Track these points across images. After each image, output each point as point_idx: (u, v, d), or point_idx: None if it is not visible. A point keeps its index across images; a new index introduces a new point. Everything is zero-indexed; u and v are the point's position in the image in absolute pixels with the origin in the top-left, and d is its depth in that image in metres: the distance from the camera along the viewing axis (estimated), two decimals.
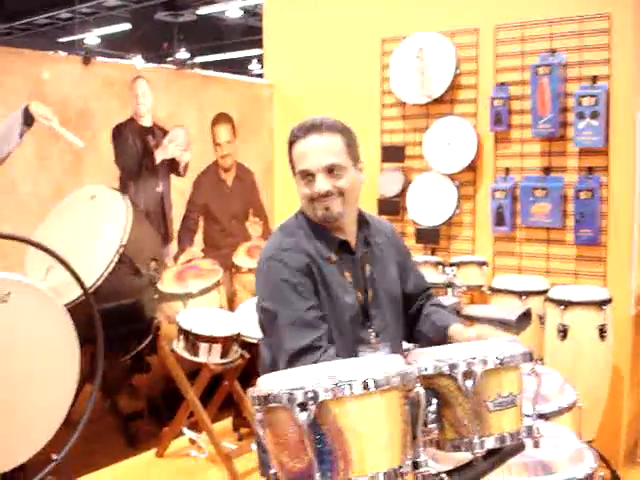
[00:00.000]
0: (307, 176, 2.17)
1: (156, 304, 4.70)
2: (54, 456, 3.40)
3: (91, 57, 4.25)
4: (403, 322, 2.40)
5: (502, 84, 4.55)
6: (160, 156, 4.69)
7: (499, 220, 4.56)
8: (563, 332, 3.98)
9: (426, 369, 1.65)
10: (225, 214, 5.21)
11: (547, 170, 4.43)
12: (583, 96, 4.14)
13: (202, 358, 4.30)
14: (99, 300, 3.97)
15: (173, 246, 4.83)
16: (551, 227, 4.42)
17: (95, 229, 4.31)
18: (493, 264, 4.67)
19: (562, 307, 3.98)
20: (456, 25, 4.72)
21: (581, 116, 4.15)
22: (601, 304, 3.96)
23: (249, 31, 15.76)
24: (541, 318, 4.10)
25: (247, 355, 4.47)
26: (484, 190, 4.70)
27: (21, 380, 3.22)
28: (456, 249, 4.85)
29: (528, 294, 4.20)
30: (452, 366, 1.63)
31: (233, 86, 5.44)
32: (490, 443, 1.64)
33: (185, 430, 4.62)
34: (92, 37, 16.65)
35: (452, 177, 4.77)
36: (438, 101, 4.80)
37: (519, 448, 1.74)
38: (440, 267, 4.65)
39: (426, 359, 1.67)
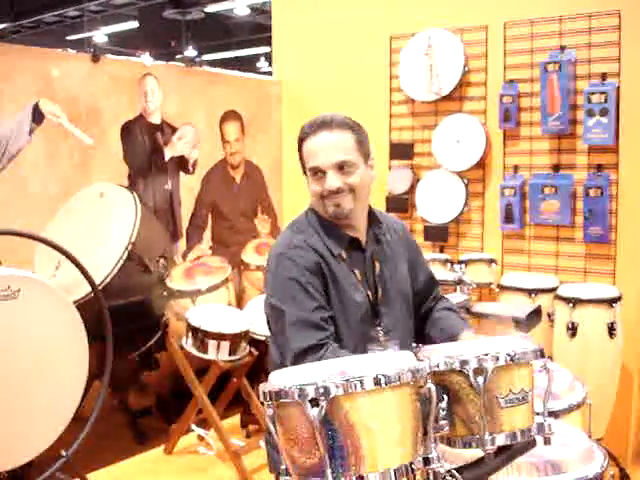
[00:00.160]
0: (317, 173, 2.16)
1: (165, 301, 4.71)
2: (63, 452, 3.41)
3: (100, 55, 4.26)
4: (413, 320, 2.39)
5: (511, 81, 4.53)
6: (169, 153, 4.70)
7: (508, 217, 4.55)
8: (572, 330, 3.97)
9: (437, 365, 1.65)
10: (234, 211, 5.22)
11: (556, 167, 4.42)
12: (592, 93, 4.13)
13: (211, 355, 4.31)
14: (108, 297, 3.98)
15: (182, 243, 4.84)
16: (560, 225, 4.41)
17: (104, 226, 4.32)
18: (502, 262, 4.67)
19: (571, 305, 3.97)
20: (465, 22, 4.71)
21: (590, 113, 4.13)
22: (610, 302, 3.95)
23: (257, 29, 15.76)
24: (550, 316, 4.09)
25: (255, 352, 4.48)
26: (493, 187, 4.69)
27: (30, 377, 3.23)
28: (465, 246, 4.84)
29: (537, 292, 4.19)
30: (463, 362, 1.63)
31: (242, 84, 5.45)
32: (501, 440, 1.64)
33: (194, 427, 4.64)
34: (100, 35, 16.70)
35: (461, 174, 4.76)
36: (447, 98, 4.78)
37: (530, 445, 1.74)
38: (449, 265, 4.64)
39: (437, 355, 1.67)
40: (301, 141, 2.22)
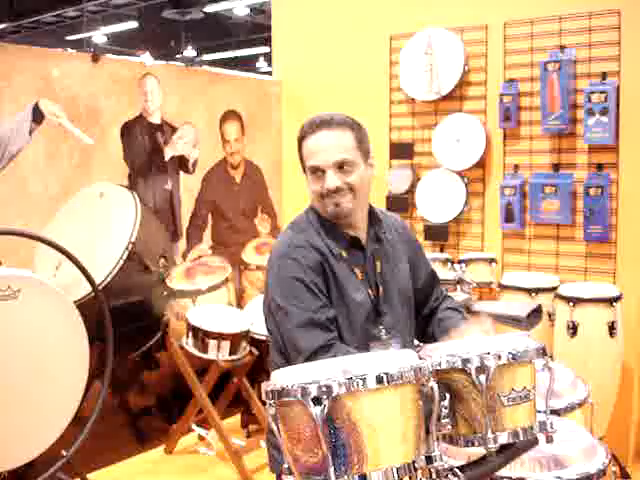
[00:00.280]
0: (317, 172, 2.15)
1: (165, 301, 4.70)
2: (64, 452, 3.41)
3: (100, 54, 4.26)
4: (415, 318, 2.38)
5: (511, 80, 4.53)
6: (169, 153, 4.69)
7: (508, 217, 4.55)
8: (573, 329, 3.97)
9: (440, 364, 1.64)
10: (234, 211, 5.22)
11: (556, 167, 4.42)
12: (593, 92, 4.13)
13: (211, 355, 4.31)
14: (108, 297, 3.99)
15: (182, 243, 4.84)
16: (560, 224, 4.41)
17: (104, 226, 4.31)
18: (502, 261, 4.67)
19: (572, 304, 3.97)
20: (465, 21, 4.71)
21: (590, 112, 4.14)
22: (611, 301, 3.95)
23: (256, 29, 15.77)
24: (550, 315, 4.09)
25: (256, 352, 4.48)
26: (493, 187, 4.69)
27: (30, 377, 3.22)
28: (465, 246, 4.85)
29: (538, 291, 4.19)
30: (465, 361, 1.63)
31: (242, 83, 5.44)
32: (504, 438, 1.63)
33: (194, 427, 4.64)
34: (99, 35, 16.69)
35: (461, 174, 4.76)
36: (447, 98, 4.79)
37: (532, 443, 1.74)
38: (449, 264, 4.64)
39: (439, 354, 1.67)
40: (301, 140, 2.20)
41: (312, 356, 1.99)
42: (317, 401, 1.41)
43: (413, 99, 4.94)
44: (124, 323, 4.20)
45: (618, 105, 4.14)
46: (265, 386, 1.51)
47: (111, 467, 4.33)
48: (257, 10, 14.90)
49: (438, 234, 4.88)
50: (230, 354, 4.35)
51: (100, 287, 4.01)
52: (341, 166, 2.14)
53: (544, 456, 2.04)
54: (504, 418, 1.63)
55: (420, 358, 1.62)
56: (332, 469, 1.42)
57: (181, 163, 4.79)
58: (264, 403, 1.53)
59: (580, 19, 4.27)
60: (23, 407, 3.19)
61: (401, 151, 5.02)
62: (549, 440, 1.72)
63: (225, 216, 5.15)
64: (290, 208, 5.38)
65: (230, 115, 5.17)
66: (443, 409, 1.63)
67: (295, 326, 2.06)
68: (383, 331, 2.21)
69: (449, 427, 1.64)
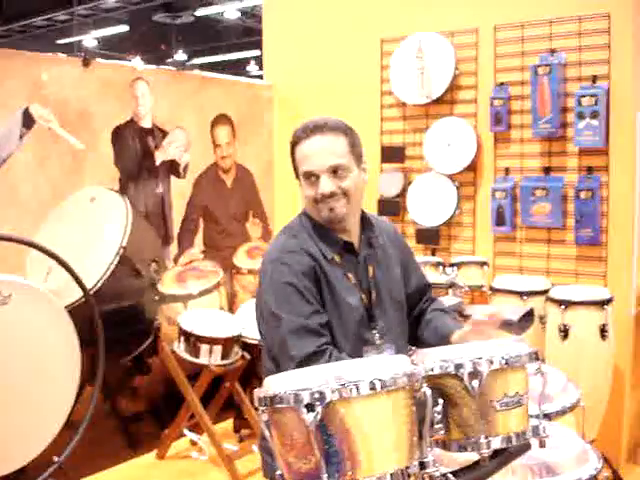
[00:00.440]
0: (311, 177, 2.15)
1: (156, 305, 4.69)
2: (55, 458, 3.40)
3: (90, 59, 4.24)
4: (407, 323, 2.39)
5: (502, 84, 4.55)
6: (160, 157, 4.68)
7: (499, 220, 4.56)
8: (564, 332, 3.98)
9: (432, 369, 1.64)
10: (225, 215, 5.21)
11: (547, 170, 4.43)
12: (583, 96, 4.14)
13: (203, 359, 4.30)
14: (99, 302, 3.97)
15: (173, 247, 4.83)
16: (551, 227, 4.42)
17: (95, 231, 4.30)
18: (493, 264, 4.67)
19: (563, 307, 3.98)
20: (456, 25, 4.72)
21: (581, 116, 4.15)
22: (602, 304, 3.96)
23: (247, 33, 15.79)
24: (542, 318, 4.09)
25: (248, 356, 4.47)
26: (484, 190, 4.70)
27: (22, 382, 3.21)
28: (456, 249, 4.85)
29: (529, 294, 4.20)
30: (458, 366, 1.63)
31: (233, 87, 5.43)
32: (497, 443, 1.63)
33: (186, 432, 4.62)
34: (90, 39, 16.67)
35: (452, 177, 4.77)
36: (438, 101, 4.80)
37: (525, 448, 1.74)
38: (441, 267, 4.65)
39: (432, 359, 1.67)
40: (293, 145, 2.20)
41: (304, 362, 1.99)
42: (310, 408, 1.41)
43: (404, 103, 4.95)
44: (115, 328, 4.19)
45: (608, 108, 4.15)
46: (258, 392, 1.51)
47: (103, 473, 4.31)
48: (248, 14, 14.91)
49: (429, 237, 4.88)
50: (222, 359, 4.34)
51: (91, 292, 3.99)
52: (335, 171, 2.14)
53: (536, 463, 2.05)
54: (497, 423, 1.63)
55: (413, 363, 1.62)
56: (325, 475, 1.41)
57: (172, 167, 4.78)
58: (257, 408, 1.52)
59: (570, 23, 4.28)
60: (14, 412, 3.18)
61: (392, 155, 5.02)
62: (542, 445, 1.72)
63: (217, 220, 5.14)
64: (282, 212, 5.38)
65: (221, 119, 5.16)
66: (436, 414, 1.63)
67: (287, 332, 2.05)
68: (377, 335, 2.22)
69: (442, 432, 1.64)
